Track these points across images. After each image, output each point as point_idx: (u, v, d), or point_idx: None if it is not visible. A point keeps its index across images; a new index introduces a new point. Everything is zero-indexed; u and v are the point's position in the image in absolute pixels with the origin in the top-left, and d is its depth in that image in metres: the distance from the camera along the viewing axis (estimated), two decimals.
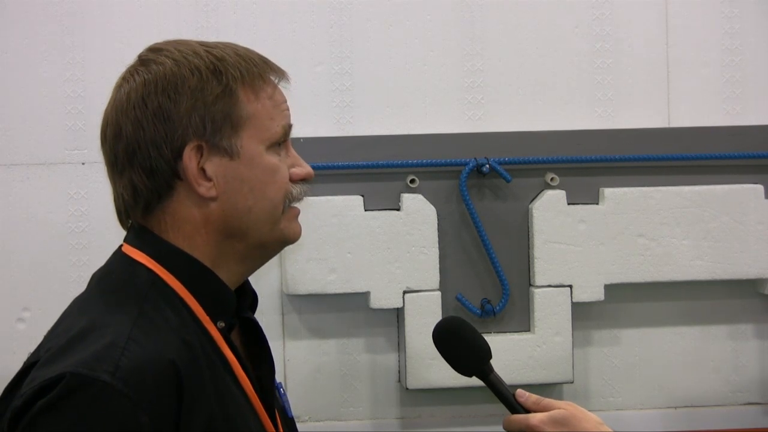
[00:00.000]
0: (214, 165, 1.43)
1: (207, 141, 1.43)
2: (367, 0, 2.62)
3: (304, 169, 1.52)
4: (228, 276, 1.48)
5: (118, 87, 1.47)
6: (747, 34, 2.69)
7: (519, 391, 1.68)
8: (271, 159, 1.47)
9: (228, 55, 1.46)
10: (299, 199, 1.52)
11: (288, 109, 1.52)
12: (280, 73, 1.51)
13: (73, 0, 2.56)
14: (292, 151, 1.52)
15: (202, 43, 1.48)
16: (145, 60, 1.47)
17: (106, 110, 1.48)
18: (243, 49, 1.49)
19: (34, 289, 2.54)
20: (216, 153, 1.43)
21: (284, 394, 1.62)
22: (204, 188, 1.43)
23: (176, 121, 1.42)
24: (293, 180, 1.50)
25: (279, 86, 1.51)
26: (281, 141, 1.49)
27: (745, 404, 2.72)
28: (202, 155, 1.43)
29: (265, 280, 2.56)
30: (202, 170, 1.43)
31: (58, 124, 2.56)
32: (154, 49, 1.48)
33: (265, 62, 1.50)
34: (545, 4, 2.66)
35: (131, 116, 1.43)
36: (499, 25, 2.65)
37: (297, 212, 1.52)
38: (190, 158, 1.42)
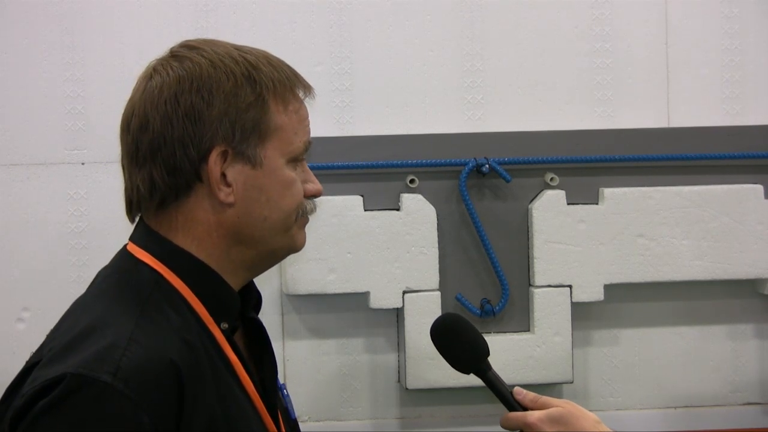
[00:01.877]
0: (235, 172, 1.43)
1: (233, 147, 1.43)
2: (367, 0, 2.62)
3: (316, 185, 1.53)
4: (232, 279, 1.48)
5: (148, 77, 1.45)
6: (747, 34, 2.69)
7: (517, 388, 1.68)
8: (290, 173, 1.47)
9: (262, 64, 1.45)
10: (311, 213, 1.53)
11: (309, 125, 1.52)
12: (308, 88, 1.51)
13: (73, 0, 2.56)
14: (306, 167, 1.53)
15: (236, 47, 1.48)
16: (178, 56, 1.46)
17: (133, 99, 1.46)
18: (275, 59, 1.49)
19: (34, 289, 2.54)
20: (239, 160, 1.43)
21: (287, 395, 1.62)
22: (224, 193, 1.43)
23: (207, 124, 1.41)
24: (305, 195, 1.51)
25: (305, 101, 1.51)
26: (301, 156, 1.49)
27: (744, 404, 2.73)
28: (225, 160, 1.43)
29: (265, 280, 2.56)
30: (223, 175, 1.43)
31: (58, 124, 2.56)
32: (189, 47, 1.47)
33: (296, 75, 1.50)
34: (545, 4, 2.66)
35: (161, 111, 1.42)
36: (499, 25, 2.65)
37: (307, 221, 1.53)
38: (215, 162, 1.42)
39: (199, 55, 1.44)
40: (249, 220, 1.45)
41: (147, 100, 1.43)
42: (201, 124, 1.41)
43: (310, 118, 1.53)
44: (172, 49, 1.48)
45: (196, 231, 1.45)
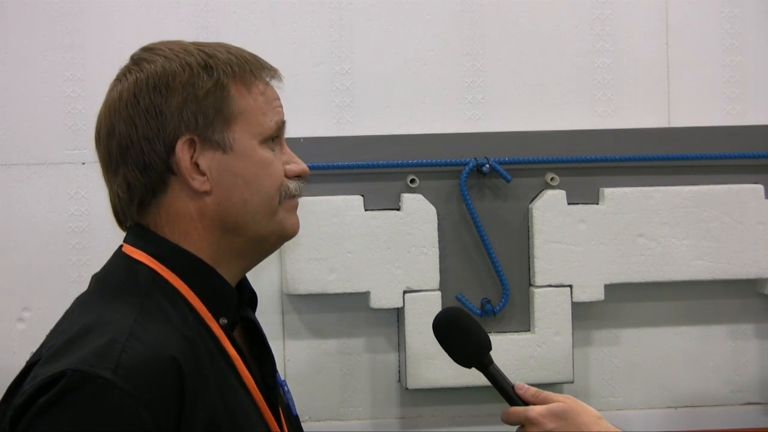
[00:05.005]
0: (207, 159, 1.44)
1: (199, 135, 1.44)
2: (367, 0, 2.62)
3: (300, 165, 1.53)
4: (227, 272, 1.48)
5: (112, 88, 1.49)
6: (747, 34, 2.69)
7: (518, 383, 1.69)
8: (265, 153, 1.47)
9: (219, 53, 1.47)
10: (296, 195, 1.52)
11: (281, 106, 1.52)
12: (273, 71, 1.52)
13: (73, 0, 2.56)
14: (287, 149, 1.53)
15: (194, 43, 1.50)
16: (137, 59, 1.48)
17: (100, 111, 1.49)
18: (235, 48, 1.51)
19: (34, 289, 2.54)
20: (209, 147, 1.44)
21: (288, 392, 1.62)
22: (198, 182, 1.44)
23: (168, 116, 1.43)
24: (288, 176, 1.50)
25: (271, 84, 1.52)
26: (274, 136, 1.49)
27: (745, 404, 2.72)
28: (195, 149, 1.44)
29: (265, 280, 2.56)
30: (196, 165, 1.44)
31: (58, 124, 2.56)
32: (147, 49, 1.49)
33: (257, 60, 1.51)
34: (545, 4, 2.66)
35: (124, 114, 1.44)
36: (499, 25, 2.65)
37: (295, 204, 1.53)
38: (182, 152, 1.43)
39: (155, 55, 1.47)
40: (229, 205, 1.45)
41: (111, 107, 1.46)
42: (162, 118, 1.43)
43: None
44: (132, 54, 1.50)
45: (181, 225, 1.45)
